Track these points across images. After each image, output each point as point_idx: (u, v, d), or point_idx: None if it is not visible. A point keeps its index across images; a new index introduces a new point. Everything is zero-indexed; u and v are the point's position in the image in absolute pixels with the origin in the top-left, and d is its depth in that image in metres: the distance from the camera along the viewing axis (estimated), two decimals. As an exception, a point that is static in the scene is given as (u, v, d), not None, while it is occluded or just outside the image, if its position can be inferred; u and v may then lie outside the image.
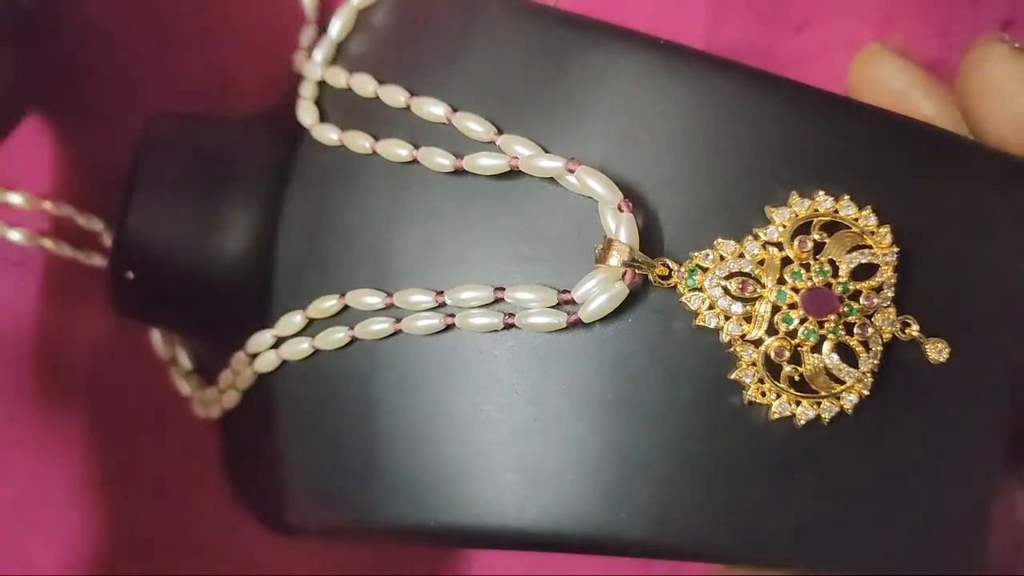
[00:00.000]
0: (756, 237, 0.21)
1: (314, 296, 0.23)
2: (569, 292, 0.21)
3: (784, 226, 0.21)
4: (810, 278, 0.21)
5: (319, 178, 0.24)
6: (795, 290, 0.21)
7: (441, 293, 0.22)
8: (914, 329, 0.21)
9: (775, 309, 0.21)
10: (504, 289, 0.21)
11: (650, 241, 0.21)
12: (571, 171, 0.21)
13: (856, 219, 0.21)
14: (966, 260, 0.22)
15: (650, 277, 0.21)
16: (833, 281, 0.21)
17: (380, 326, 0.22)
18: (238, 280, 0.25)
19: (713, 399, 0.21)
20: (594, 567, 0.34)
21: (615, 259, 0.21)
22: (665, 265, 0.21)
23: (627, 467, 0.21)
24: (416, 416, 0.22)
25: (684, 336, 0.21)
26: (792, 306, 0.21)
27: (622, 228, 0.21)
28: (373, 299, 0.23)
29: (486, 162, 0.22)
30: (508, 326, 0.21)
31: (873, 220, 0.21)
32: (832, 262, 0.21)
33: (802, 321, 0.21)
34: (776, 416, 0.21)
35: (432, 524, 0.22)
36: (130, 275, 0.25)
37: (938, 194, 0.22)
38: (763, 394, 0.21)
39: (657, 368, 0.21)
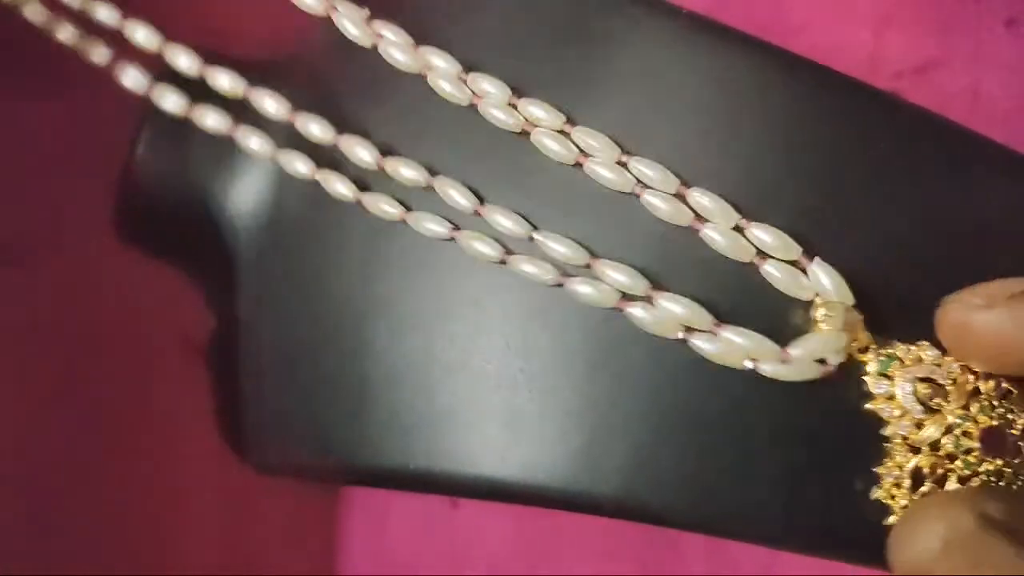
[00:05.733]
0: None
1: None
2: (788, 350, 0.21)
3: None
4: (993, 417, 0.21)
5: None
6: (975, 421, 0.21)
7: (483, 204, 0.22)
8: None
9: (948, 429, 0.21)
10: None
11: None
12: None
13: None
14: (967, 249, 0.23)
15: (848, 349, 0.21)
16: (1008, 431, 0.22)
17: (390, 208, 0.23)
18: (242, 223, 0.25)
19: (697, 372, 0.22)
20: (591, 567, 0.34)
21: (832, 324, 0.21)
22: (868, 339, 0.21)
23: (605, 427, 0.22)
24: (407, 360, 0.23)
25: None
26: (966, 434, 0.21)
27: (831, 286, 0.21)
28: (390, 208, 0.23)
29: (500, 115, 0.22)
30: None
31: None
32: (1012, 411, 0.22)
33: (967, 452, 0.21)
34: (894, 520, 0.21)
35: (412, 468, 0.22)
36: (138, 204, 0.25)
37: (948, 184, 0.23)
38: (892, 497, 0.21)
39: (645, 335, 0.22)
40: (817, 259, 0.21)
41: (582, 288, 0.22)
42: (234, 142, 0.25)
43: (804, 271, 0.21)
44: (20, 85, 0.30)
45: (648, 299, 0.21)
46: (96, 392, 0.34)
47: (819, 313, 0.21)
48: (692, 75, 0.22)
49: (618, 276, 0.21)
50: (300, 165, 0.24)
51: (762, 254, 0.22)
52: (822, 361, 0.21)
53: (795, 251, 0.21)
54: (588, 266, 0.22)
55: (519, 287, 0.22)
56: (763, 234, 0.21)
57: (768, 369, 0.21)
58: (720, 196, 0.22)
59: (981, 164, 0.23)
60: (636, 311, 0.21)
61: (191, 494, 0.36)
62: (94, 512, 0.34)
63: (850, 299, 0.21)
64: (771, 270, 0.21)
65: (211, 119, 0.25)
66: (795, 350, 0.21)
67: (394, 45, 0.23)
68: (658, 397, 0.22)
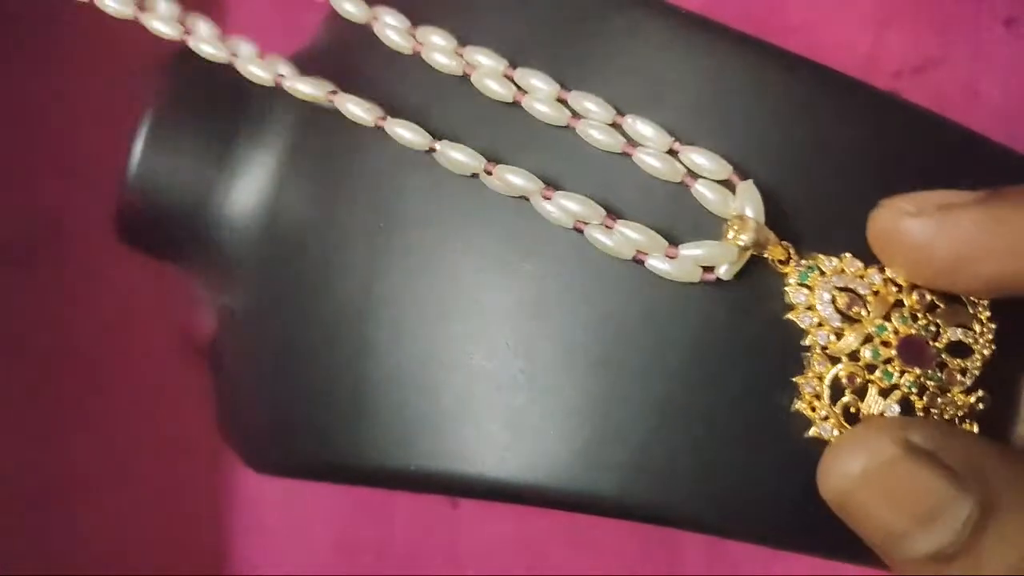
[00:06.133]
0: (882, 270, 0.22)
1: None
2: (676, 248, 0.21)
3: None
4: (913, 328, 0.21)
5: (331, 128, 0.25)
6: (895, 332, 0.21)
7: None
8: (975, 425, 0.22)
9: (867, 339, 0.21)
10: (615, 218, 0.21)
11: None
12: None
13: (975, 303, 0.22)
14: None
15: (768, 257, 0.21)
16: (931, 343, 0.21)
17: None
18: (242, 223, 0.25)
19: (699, 366, 0.22)
20: (591, 567, 0.34)
21: (745, 238, 0.21)
22: (787, 250, 0.21)
23: (607, 426, 0.22)
24: (408, 361, 0.23)
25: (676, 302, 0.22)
26: (885, 344, 0.21)
27: (748, 203, 0.21)
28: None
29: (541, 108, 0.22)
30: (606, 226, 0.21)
31: (988, 314, 0.22)
32: (938, 325, 0.22)
33: (887, 361, 0.21)
34: (813, 434, 0.21)
35: (413, 469, 0.22)
36: (138, 204, 0.25)
37: (948, 185, 0.22)
38: (813, 409, 0.21)
39: (647, 331, 0.22)
40: (750, 181, 0.21)
41: (490, 182, 0.22)
42: (237, 144, 0.25)
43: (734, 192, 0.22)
44: (22, 85, 0.30)
45: (546, 198, 0.22)
46: (96, 392, 0.34)
47: (729, 227, 0.21)
48: (690, 75, 0.22)
49: (515, 179, 0.22)
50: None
51: (693, 175, 0.22)
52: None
53: (727, 171, 0.22)
54: (489, 172, 0.22)
55: (520, 287, 0.22)
56: (697, 157, 0.22)
57: (654, 264, 0.21)
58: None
59: (981, 164, 0.23)
60: (544, 205, 0.22)
61: (190, 494, 0.36)
62: (93, 512, 0.34)
63: (762, 217, 0.21)
64: (703, 190, 0.22)
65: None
66: (684, 250, 0.21)
67: (392, 28, 0.24)
68: (659, 397, 0.22)
